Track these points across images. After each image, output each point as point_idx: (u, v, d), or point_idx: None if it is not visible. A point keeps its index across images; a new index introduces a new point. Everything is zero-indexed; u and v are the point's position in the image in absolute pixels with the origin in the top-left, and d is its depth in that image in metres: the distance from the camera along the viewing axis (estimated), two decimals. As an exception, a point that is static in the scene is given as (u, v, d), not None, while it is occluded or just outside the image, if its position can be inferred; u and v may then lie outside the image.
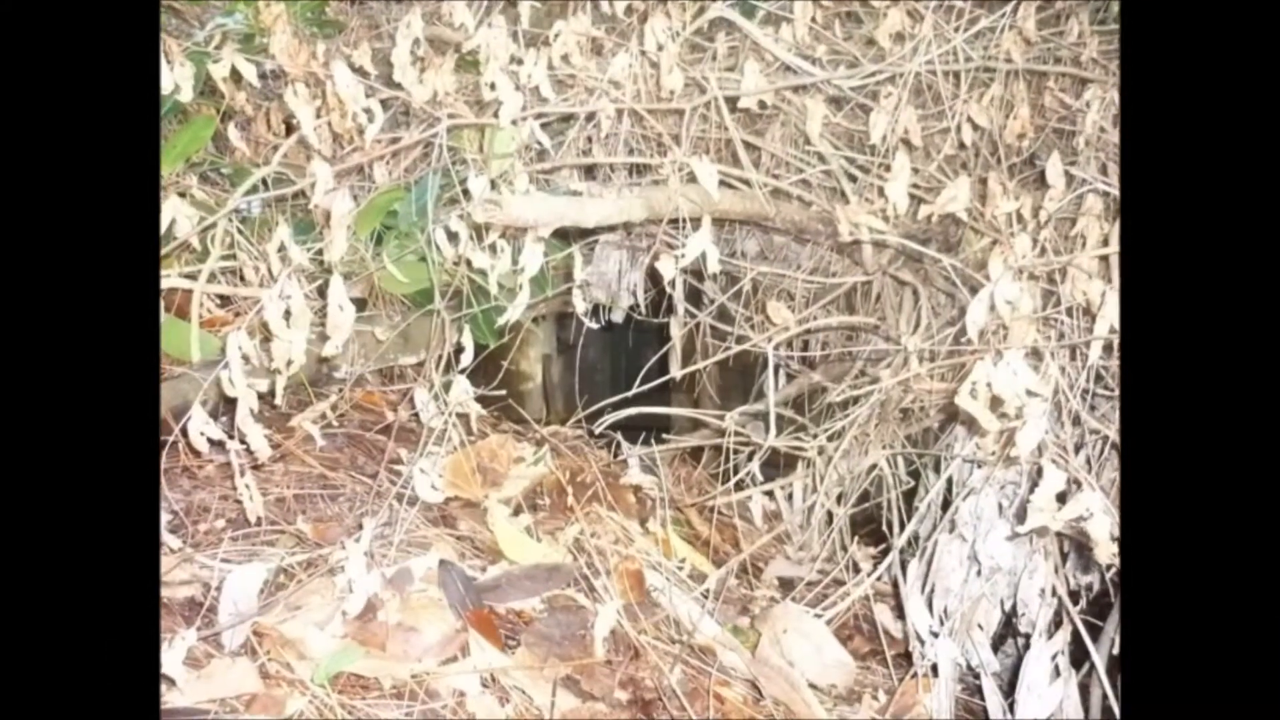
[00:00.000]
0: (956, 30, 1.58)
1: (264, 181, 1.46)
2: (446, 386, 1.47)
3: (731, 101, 1.60)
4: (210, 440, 1.21)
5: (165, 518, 1.28)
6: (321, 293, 1.44)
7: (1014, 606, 1.32)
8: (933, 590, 1.36)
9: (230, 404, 1.23)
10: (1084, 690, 1.19)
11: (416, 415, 1.64)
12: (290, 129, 1.73)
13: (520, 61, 1.46)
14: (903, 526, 1.55)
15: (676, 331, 1.93)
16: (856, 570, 1.56)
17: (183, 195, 1.45)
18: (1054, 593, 1.27)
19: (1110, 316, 1.19)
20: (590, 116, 1.63)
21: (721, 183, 1.50)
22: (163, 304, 1.40)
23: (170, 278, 1.46)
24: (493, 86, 1.40)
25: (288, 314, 1.23)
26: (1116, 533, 1.04)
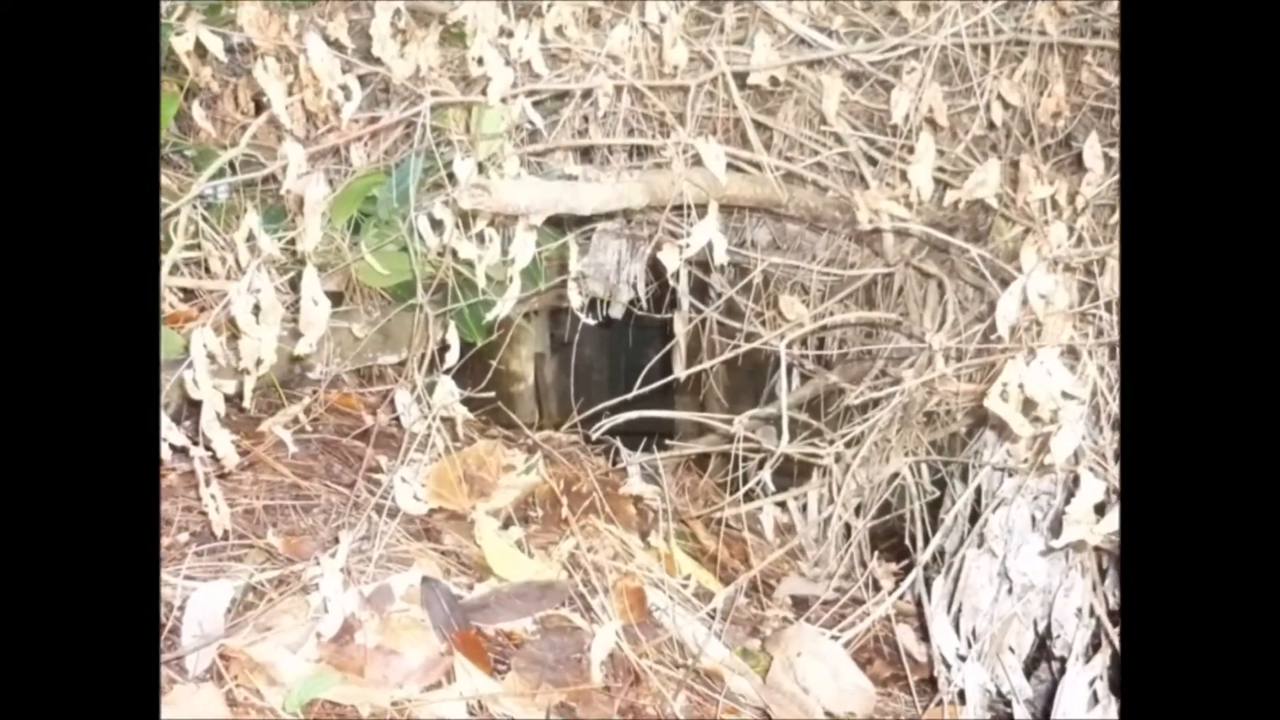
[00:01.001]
0: (985, 0, 1.58)
1: (231, 165, 1.46)
2: (430, 388, 1.47)
3: (740, 78, 1.60)
4: (173, 447, 1.21)
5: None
6: (294, 286, 1.44)
7: (1048, 627, 1.32)
8: (960, 610, 1.36)
9: (195, 407, 1.23)
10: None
11: (397, 419, 1.64)
12: (260, 107, 1.73)
13: (510, 34, 1.46)
14: (927, 541, 1.55)
15: (680, 328, 1.93)
16: (877, 588, 1.56)
17: (143, 180, 1.44)
18: (1092, 613, 1.27)
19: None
20: (587, 94, 1.63)
21: (729, 166, 1.50)
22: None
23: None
24: (480, 61, 1.40)
25: (257, 309, 1.23)
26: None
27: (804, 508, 1.81)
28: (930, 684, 1.39)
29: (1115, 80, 1.65)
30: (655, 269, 2.05)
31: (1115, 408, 1.27)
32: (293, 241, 1.39)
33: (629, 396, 1.65)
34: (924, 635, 1.46)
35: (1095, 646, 1.23)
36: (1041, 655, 1.41)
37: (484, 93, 1.40)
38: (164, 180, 1.64)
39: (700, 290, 2.11)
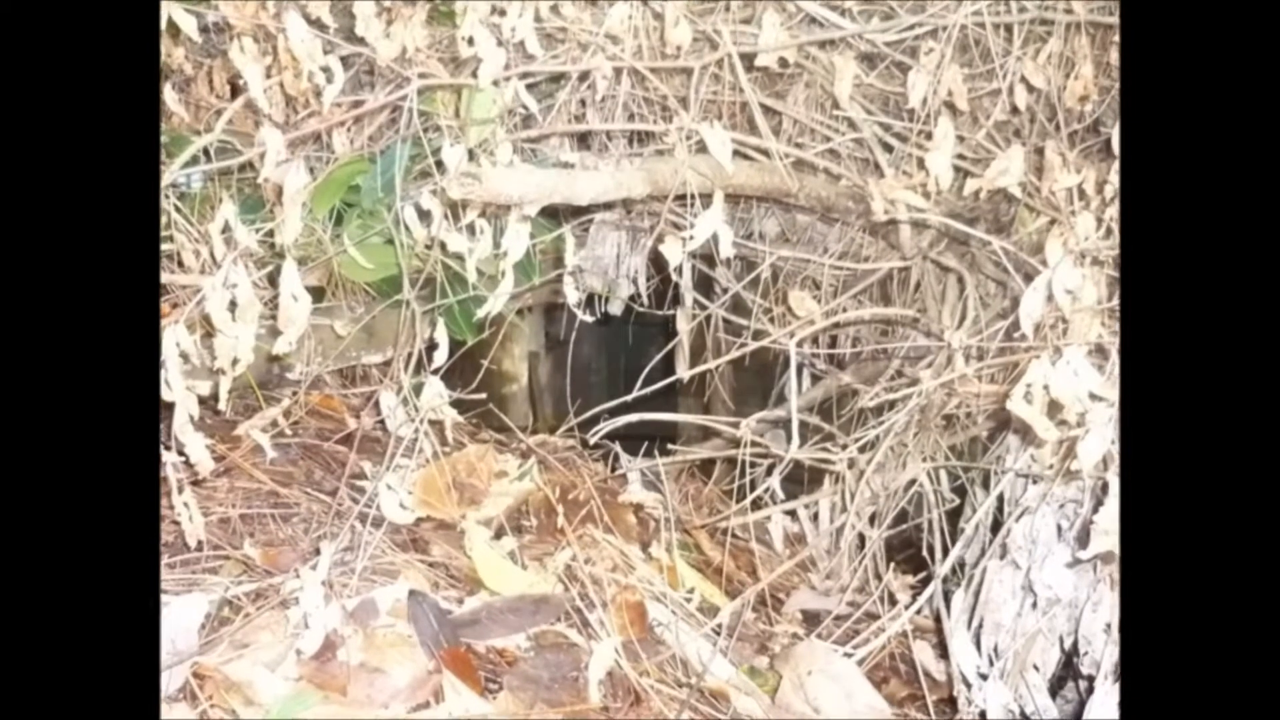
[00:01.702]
0: (1009, -24, 1.58)
1: (206, 152, 1.46)
2: (417, 389, 1.47)
3: (748, 59, 1.60)
4: (143, 451, 1.21)
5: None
6: (272, 280, 1.44)
7: (1075, 644, 1.32)
8: (981, 625, 1.36)
9: (167, 410, 1.23)
10: (1156, 741, 1.19)
11: (382, 423, 1.64)
12: (236, 91, 1.73)
13: (503, 12, 1.46)
14: (946, 552, 1.55)
15: (684, 325, 1.92)
16: (892, 602, 1.56)
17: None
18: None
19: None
20: (584, 76, 1.63)
21: (736, 153, 1.49)
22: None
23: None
24: (471, 41, 1.40)
25: (233, 305, 1.23)
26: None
27: (815, 517, 1.81)
28: (949, 704, 1.39)
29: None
30: (657, 263, 2.05)
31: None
32: (271, 233, 1.39)
33: (629, 398, 1.65)
34: (943, 652, 1.46)
35: (1125, 664, 1.23)
36: (1068, 674, 1.41)
37: (475, 75, 1.40)
38: (134, 168, 1.64)
39: (705, 285, 2.10)
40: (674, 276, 1.92)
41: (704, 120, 1.47)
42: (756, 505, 1.73)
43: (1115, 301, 1.32)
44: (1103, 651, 1.27)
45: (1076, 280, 1.24)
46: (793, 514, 1.83)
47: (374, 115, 1.70)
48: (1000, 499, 1.50)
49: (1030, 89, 1.63)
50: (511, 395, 3.09)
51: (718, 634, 1.41)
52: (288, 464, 1.55)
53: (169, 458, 1.22)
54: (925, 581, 1.57)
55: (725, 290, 2.05)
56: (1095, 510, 1.12)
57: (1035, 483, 1.41)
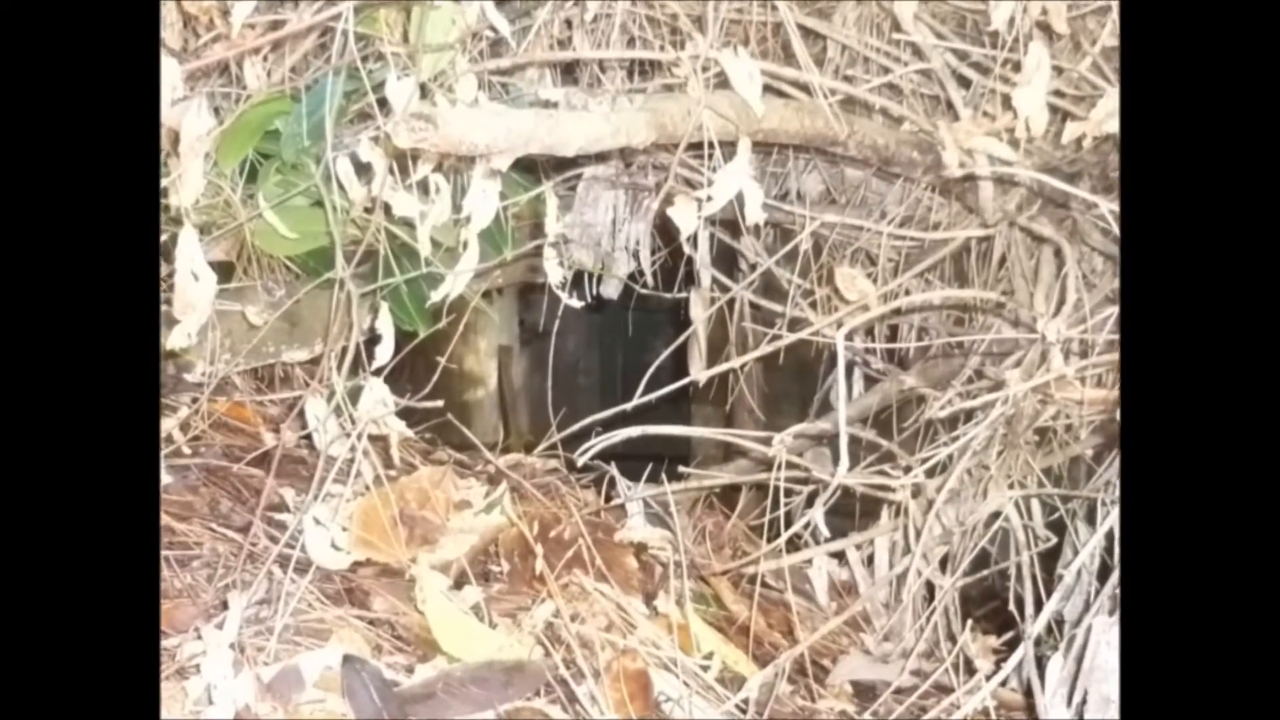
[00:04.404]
0: None
1: (80, 87, 1.46)
2: (354, 395, 1.47)
3: (782, -33, 1.60)
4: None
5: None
6: (166, 254, 1.44)
7: (1207, 725, 1.32)
8: (1085, 700, 1.36)
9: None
10: None
11: (309, 438, 1.64)
12: (120, 9, 1.73)
13: (465, -94, 1.46)
14: (1040, 605, 1.55)
15: (699, 313, 1.92)
16: (970, 671, 1.56)
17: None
18: (1267, 705, 1.27)
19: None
20: (570, -11, 1.63)
21: (766, 89, 1.49)
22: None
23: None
24: (423, -56, 1.40)
25: (115, 286, 1.23)
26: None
27: (869, 560, 1.81)
28: (1044, 802, 1.39)
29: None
30: (664, 231, 2.05)
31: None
32: (165, 193, 1.39)
33: (628, 407, 1.65)
34: (1036, 735, 1.46)
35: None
36: (1197, 762, 1.41)
37: (428, -13, 1.40)
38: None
39: (727, 260, 2.11)
40: (686, 249, 1.92)
41: (726, 46, 1.47)
42: (794, 545, 1.73)
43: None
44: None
45: (1209, 254, 1.24)
46: (840, 556, 1.83)
47: (298, 40, 1.70)
48: (1109, 537, 1.49)
49: (1148, 6, 1.63)
50: (477, 403, 3.10)
51: (743, 711, 1.42)
52: (186, 491, 1.55)
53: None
54: (1013, 644, 1.57)
55: (753, 267, 2.05)
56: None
57: (1155, 516, 1.41)
